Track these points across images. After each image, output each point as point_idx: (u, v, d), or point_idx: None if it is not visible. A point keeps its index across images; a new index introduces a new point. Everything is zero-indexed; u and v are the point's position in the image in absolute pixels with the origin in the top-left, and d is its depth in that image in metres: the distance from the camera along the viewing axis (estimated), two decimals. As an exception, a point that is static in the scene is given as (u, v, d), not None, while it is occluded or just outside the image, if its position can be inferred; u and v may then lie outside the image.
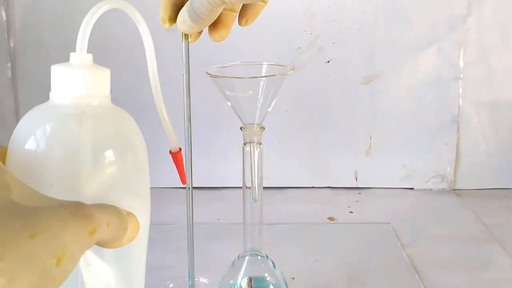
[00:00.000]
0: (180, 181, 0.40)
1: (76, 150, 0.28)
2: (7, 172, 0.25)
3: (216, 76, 0.45)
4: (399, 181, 0.91)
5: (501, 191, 0.90)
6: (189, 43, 0.43)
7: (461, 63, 0.87)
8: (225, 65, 0.48)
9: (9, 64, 0.85)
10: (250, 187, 0.49)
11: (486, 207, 0.83)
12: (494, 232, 0.75)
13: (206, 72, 0.46)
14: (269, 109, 0.47)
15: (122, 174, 0.30)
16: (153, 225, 0.85)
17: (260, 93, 0.45)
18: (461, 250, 0.70)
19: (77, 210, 0.24)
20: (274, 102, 0.47)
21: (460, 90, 0.88)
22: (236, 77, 0.45)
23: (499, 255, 0.69)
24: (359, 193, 0.90)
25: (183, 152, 0.42)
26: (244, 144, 0.49)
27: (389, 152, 0.90)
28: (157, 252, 0.69)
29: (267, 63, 0.48)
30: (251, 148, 0.48)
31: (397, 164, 0.91)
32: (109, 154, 0.29)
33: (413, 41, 0.86)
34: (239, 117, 0.48)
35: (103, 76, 0.31)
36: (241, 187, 0.50)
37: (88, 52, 0.30)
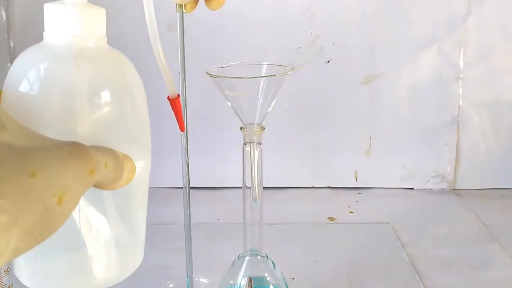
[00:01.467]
0: (179, 127, 0.40)
1: (72, 92, 0.28)
2: (2, 112, 0.24)
3: (216, 76, 0.45)
4: (399, 181, 0.91)
5: (501, 191, 0.90)
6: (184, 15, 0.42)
7: (461, 63, 0.87)
8: (225, 65, 0.48)
9: (9, 64, 0.85)
10: (250, 187, 0.49)
11: (486, 207, 0.83)
12: (494, 232, 0.75)
13: (206, 72, 0.46)
14: (269, 109, 0.47)
15: (119, 117, 0.29)
16: (153, 225, 0.86)
17: (260, 93, 0.45)
18: (461, 250, 0.70)
19: (76, 150, 0.24)
20: (274, 102, 0.47)
21: (460, 90, 0.88)
22: (236, 77, 0.45)
23: (499, 255, 0.69)
24: (359, 193, 0.90)
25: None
26: (244, 144, 0.49)
27: (389, 152, 0.90)
28: (157, 252, 0.69)
29: (267, 63, 0.48)
30: (251, 148, 0.48)
31: (397, 164, 0.91)
32: (106, 96, 0.28)
33: (413, 41, 0.86)
34: (239, 117, 0.48)
35: (99, 15, 0.30)
36: (241, 187, 0.50)
37: None
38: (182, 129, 0.40)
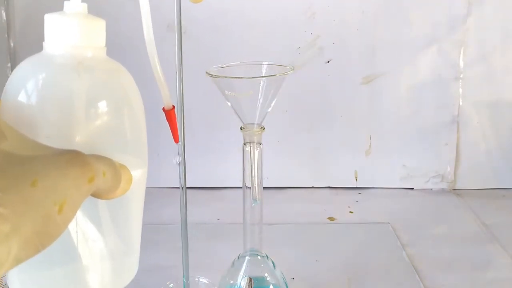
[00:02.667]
0: (173, 139, 0.40)
1: (72, 101, 0.28)
2: (2, 121, 0.25)
3: (216, 76, 0.45)
4: (399, 181, 0.91)
5: (501, 191, 0.90)
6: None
7: (461, 63, 0.87)
8: (225, 65, 0.48)
9: (9, 64, 0.85)
10: (250, 187, 0.49)
11: (486, 207, 0.83)
12: (494, 232, 0.75)
13: (206, 72, 0.46)
14: (269, 109, 0.47)
15: (117, 127, 0.29)
16: (153, 225, 0.86)
17: (260, 93, 0.45)
18: (461, 250, 0.70)
19: (75, 158, 0.24)
20: (274, 102, 0.47)
21: (460, 90, 0.88)
22: (236, 77, 0.45)
23: (499, 255, 0.69)
24: (359, 193, 0.90)
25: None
26: (244, 144, 0.49)
27: (389, 152, 0.90)
28: (157, 252, 0.69)
29: (267, 63, 0.48)
30: (251, 148, 0.48)
31: (397, 164, 0.91)
32: (104, 106, 0.29)
33: (413, 41, 0.86)
34: (239, 117, 0.48)
35: (99, 26, 0.30)
36: (241, 187, 0.50)
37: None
38: (176, 140, 0.40)
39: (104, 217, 0.29)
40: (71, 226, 0.28)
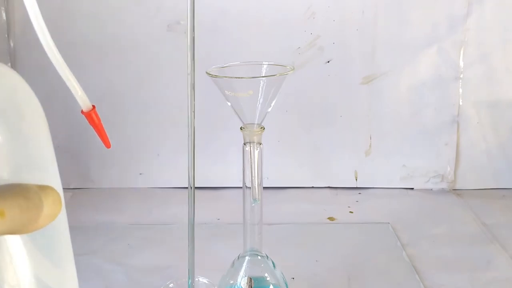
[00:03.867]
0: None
1: None
2: None
3: (216, 76, 0.45)
4: (399, 181, 0.91)
5: (501, 191, 0.90)
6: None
7: (461, 63, 0.87)
8: (225, 65, 0.48)
9: (9, 64, 0.85)
10: (250, 187, 0.49)
11: (486, 207, 0.83)
12: (494, 232, 0.75)
13: (206, 72, 0.46)
14: (269, 109, 0.47)
15: (14, 145, 0.25)
16: (153, 225, 0.86)
17: (260, 93, 0.45)
18: (461, 250, 0.70)
19: None
20: (274, 102, 0.47)
21: (460, 90, 0.88)
22: (236, 77, 0.45)
23: (499, 255, 0.69)
24: (359, 193, 0.90)
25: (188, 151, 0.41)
26: (244, 144, 0.49)
27: (389, 152, 0.90)
28: (157, 252, 0.69)
29: (267, 63, 0.48)
30: (251, 148, 0.48)
31: (397, 164, 0.91)
32: None
33: (413, 41, 0.86)
34: (239, 117, 0.48)
35: None
36: (241, 187, 0.50)
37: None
38: (107, 145, 0.35)
39: (28, 245, 0.26)
40: None
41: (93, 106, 0.33)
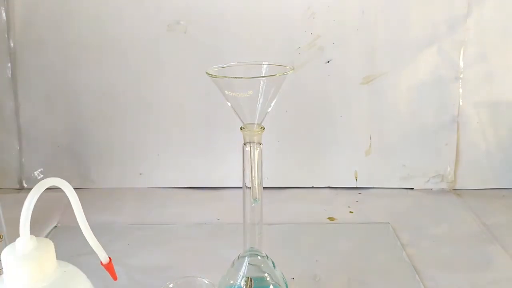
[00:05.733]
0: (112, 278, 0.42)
1: None
2: None
3: (216, 76, 0.45)
4: (399, 181, 0.91)
5: (501, 191, 0.90)
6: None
7: (461, 63, 0.87)
8: (225, 65, 0.48)
9: (9, 64, 0.85)
10: (250, 187, 0.49)
11: (486, 207, 0.83)
12: (494, 232, 0.75)
13: (206, 72, 0.46)
14: (269, 109, 0.47)
15: None
16: (153, 225, 0.85)
17: (260, 93, 0.45)
18: (461, 250, 0.70)
19: None
20: (274, 102, 0.47)
21: (460, 90, 0.88)
22: (236, 77, 0.45)
23: (499, 255, 0.69)
24: (359, 193, 0.90)
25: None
26: (244, 144, 0.49)
27: (389, 152, 0.90)
28: (157, 252, 0.69)
29: (267, 63, 0.48)
30: (251, 148, 0.48)
31: (397, 164, 0.91)
32: None
33: (413, 41, 0.86)
34: (239, 117, 0.48)
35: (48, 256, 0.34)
36: (241, 187, 0.50)
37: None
38: (115, 278, 0.43)
39: None
40: None
41: (110, 258, 0.41)
